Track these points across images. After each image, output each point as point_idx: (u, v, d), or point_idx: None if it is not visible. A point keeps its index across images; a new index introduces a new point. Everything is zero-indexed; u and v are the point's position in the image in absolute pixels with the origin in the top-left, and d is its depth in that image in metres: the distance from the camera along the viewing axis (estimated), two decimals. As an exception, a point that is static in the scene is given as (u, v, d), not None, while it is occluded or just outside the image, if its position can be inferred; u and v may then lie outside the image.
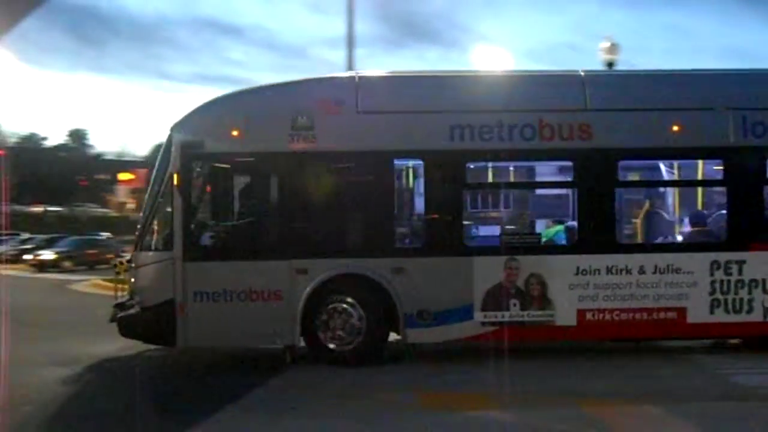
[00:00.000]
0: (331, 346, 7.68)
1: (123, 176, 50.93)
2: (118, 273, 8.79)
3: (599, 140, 7.71)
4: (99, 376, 7.78)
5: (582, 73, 8.11)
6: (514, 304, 7.67)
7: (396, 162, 7.92)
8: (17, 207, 42.40)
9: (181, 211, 7.66)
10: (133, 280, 8.07)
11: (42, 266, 27.88)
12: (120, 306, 8.24)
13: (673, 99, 7.89)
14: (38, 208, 46.10)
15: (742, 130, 7.72)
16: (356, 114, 7.80)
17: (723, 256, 7.68)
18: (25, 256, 29.68)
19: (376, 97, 7.89)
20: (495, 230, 8.51)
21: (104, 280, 17.59)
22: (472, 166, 7.91)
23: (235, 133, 7.78)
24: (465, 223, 7.97)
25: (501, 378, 6.56)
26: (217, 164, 7.98)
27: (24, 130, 60.22)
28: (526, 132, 7.73)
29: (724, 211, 7.93)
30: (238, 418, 5.87)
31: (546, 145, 7.74)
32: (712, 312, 7.68)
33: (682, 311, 7.67)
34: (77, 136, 63.21)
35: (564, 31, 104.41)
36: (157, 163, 8.10)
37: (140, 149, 67.71)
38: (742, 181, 7.78)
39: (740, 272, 7.67)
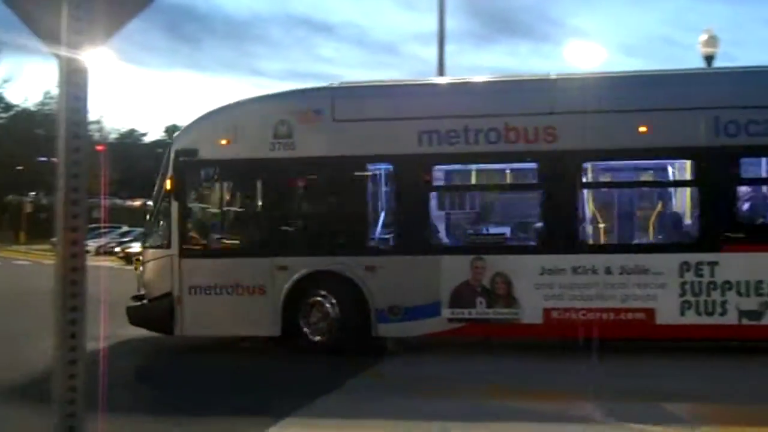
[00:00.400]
0: (311, 336, 8.38)
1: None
2: (136, 269, 9.91)
3: (564, 142, 7.91)
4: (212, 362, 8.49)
5: (553, 77, 8.30)
6: (480, 302, 8.03)
7: (369, 166, 8.47)
8: (117, 201, 46.09)
9: (177, 213, 8.61)
10: (141, 274, 9.14)
11: (130, 258, 30.34)
12: (137, 298, 9.34)
13: (642, 100, 7.92)
14: (137, 202, 49.82)
15: (714, 129, 7.64)
16: (332, 122, 8.41)
17: (694, 258, 7.66)
18: (116, 249, 32.34)
19: (350, 107, 8.46)
20: (461, 230, 8.87)
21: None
22: (439, 169, 8.34)
23: (224, 141, 8.62)
24: (433, 223, 8.41)
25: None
26: (208, 170, 8.86)
27: (124, 127, 64.93)
28: (491, 135, 8.05)
29: (696, 212, 7.89)
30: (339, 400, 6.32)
31: (512, 148, 8.02)
32: (682, 314, 7.69)
33: (650, 312, 7.74)
34: (174, 132, 67.32)
35: (660, 24, 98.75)
36: (161, 170, 9.09)
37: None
38: (713, 181, 7.71)
39: (712, 274, 7.63)
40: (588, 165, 8.02)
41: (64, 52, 2.31)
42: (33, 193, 48.65)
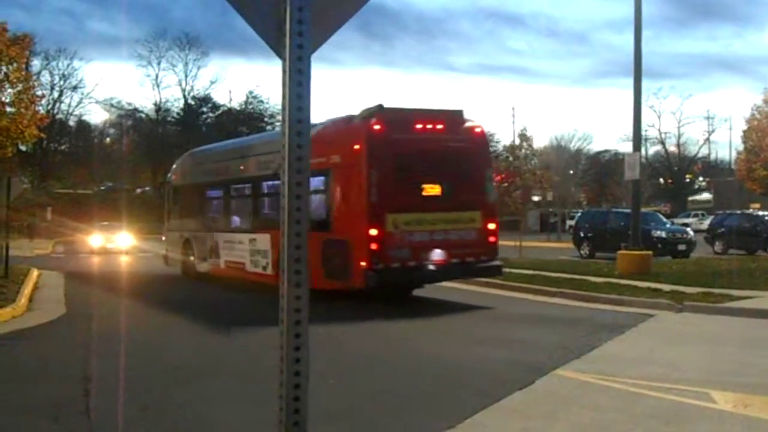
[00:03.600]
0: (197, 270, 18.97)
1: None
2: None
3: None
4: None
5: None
6: (215, 257, 17.21)
7: (199, 188, 18.52)
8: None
9: (166, 210, 20.52)
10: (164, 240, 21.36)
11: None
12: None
13: (238, 156, 15.84)
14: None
15: (256, 166, 15.01)
16: (192, 166, 18.88)
17: (250, 236, 15.21)
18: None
19: (195, 159, 18.82)
20: (212, 221, 17.72)
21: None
22: (208, 192, 17.82)
23: (173, 176, 20.09)
24: (206, 217, 17.84)
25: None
26: (172, 189, 20.35)
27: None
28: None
29: (251, 210, 15.32)
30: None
31: (216, 179, 16.99)
32: (253, 267, 15.28)
33: (244, 264, 15.60)
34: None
35: None
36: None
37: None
38: (255, 194, 15.09)
39: (255, 245, 15.02)
40: (231, 187, 16.30)
41: (287, 53, 2.53)
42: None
